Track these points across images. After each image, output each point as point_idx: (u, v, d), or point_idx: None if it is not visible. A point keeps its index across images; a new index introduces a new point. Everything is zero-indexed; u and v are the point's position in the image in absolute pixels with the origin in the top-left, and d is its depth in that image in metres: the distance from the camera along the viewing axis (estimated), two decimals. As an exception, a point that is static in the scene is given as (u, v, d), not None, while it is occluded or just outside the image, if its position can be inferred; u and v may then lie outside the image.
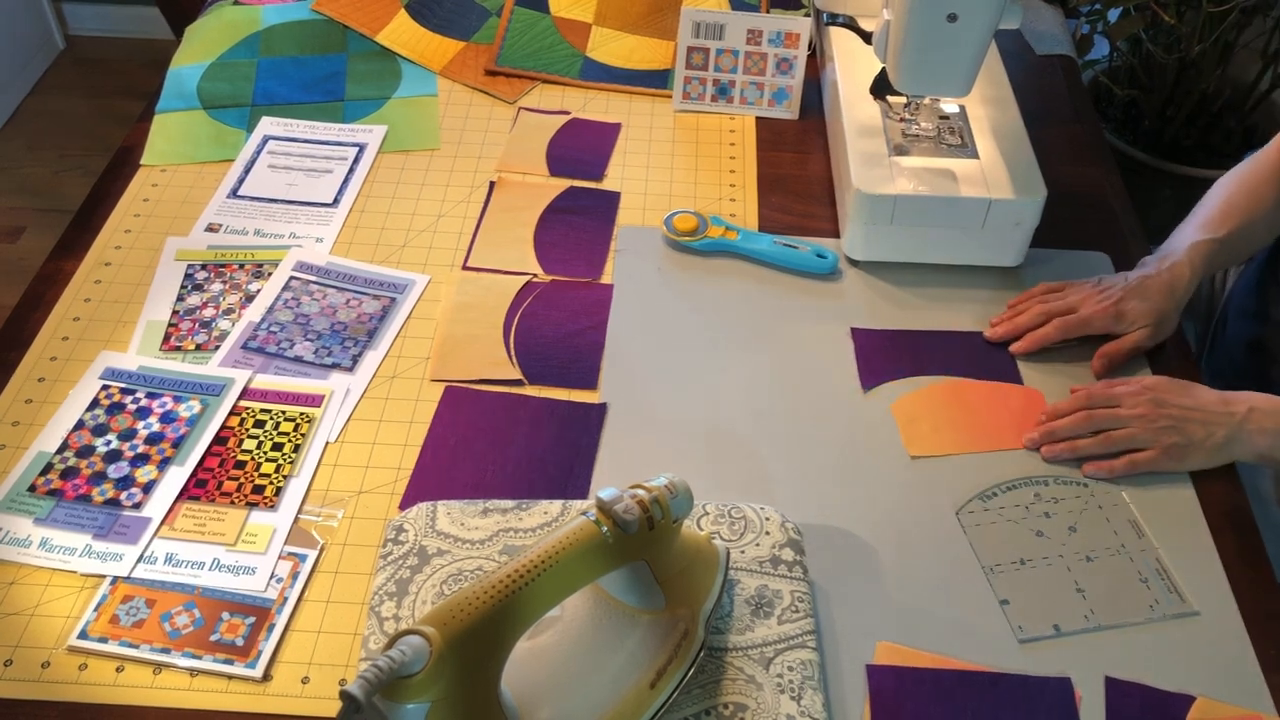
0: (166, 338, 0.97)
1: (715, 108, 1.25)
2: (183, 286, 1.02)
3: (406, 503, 0.85)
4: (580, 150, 1.19)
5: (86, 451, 0.88)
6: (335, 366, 0.95)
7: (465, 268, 1.05)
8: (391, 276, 1.04)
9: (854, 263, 1.06)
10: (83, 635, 0.76)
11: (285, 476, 0.87)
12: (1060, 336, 0.97)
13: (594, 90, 1.28)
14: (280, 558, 0.81)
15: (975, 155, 1.05)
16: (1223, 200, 1.02)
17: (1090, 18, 1.79)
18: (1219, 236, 0.99)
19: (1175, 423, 0.88)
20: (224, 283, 1.03)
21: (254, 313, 1.00)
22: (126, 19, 2.75)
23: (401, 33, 1.32)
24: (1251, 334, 1.11)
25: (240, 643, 0.76)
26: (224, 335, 0.98)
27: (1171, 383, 0.91)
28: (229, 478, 0.86)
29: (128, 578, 0.80)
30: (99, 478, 0.86)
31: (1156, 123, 1.91)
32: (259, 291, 1.02)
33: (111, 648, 0.76)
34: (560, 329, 0.99)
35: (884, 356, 0.98)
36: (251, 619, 0.78)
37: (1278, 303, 1.07)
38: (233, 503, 0.85)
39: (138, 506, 0.84)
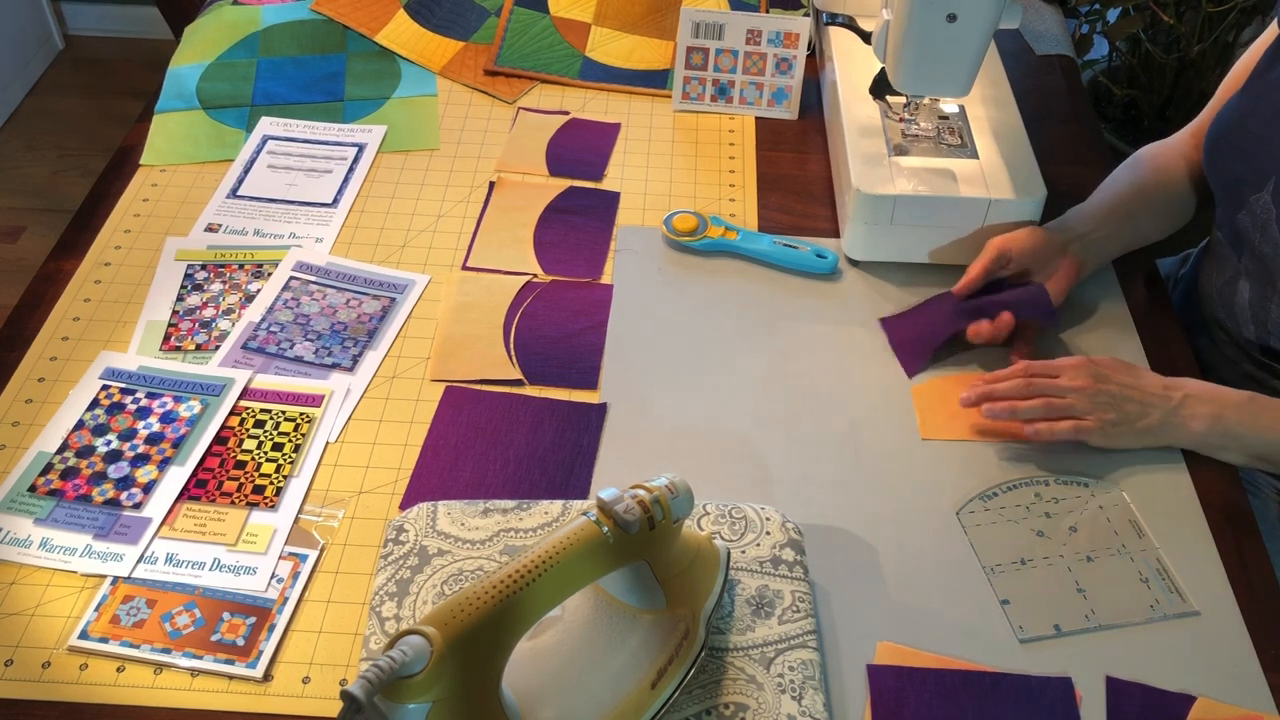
0: (166, 338, 0.97)
1: (715, 108, 1.25)
2: (183, 286, 1.02)
3: (407, 503, 0.85)
4: (580, 150, 1.19)
5: (87, 451, 0.88)
6: (335, 366, 0.95)
7: (465, 268, 1.05)
8: (391, 276, 1.04)
9: (854, 263, 1.06)
10: (83, 635, 0.76)
11: (285, 476, 0.87)
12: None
13: (593, 90, 1.28)
14: (281, 558, 0.81)
15: (975, 155, 1.05)
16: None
17: (1090, 18, 1.80)
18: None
19: (1112, 399, 0.88)
20: (224, 283, 1.03)
21: (254, 313, 1.00)
22: (126, 19, 2.75)
23: (401, 33, 1.32)
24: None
25: (241, 643, 0.76)
26: (224, 335, 0.98)
27: (1116, 361, 0.92)
28: (229, 478, 0.86)
29: (128, 578, 0.80)
30: (99, 478, 0.86)
31: (1156, 123, 1.92)
32: (259, 291, 1.02)
33: (112, 648, 0.76)
34: (560, 329, 0.99)
35: (916, 338, 0.99)
36: (252, 619, 0.78)
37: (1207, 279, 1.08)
38: (233, 503, 0.85)
39: (138, 507, 0.84)
